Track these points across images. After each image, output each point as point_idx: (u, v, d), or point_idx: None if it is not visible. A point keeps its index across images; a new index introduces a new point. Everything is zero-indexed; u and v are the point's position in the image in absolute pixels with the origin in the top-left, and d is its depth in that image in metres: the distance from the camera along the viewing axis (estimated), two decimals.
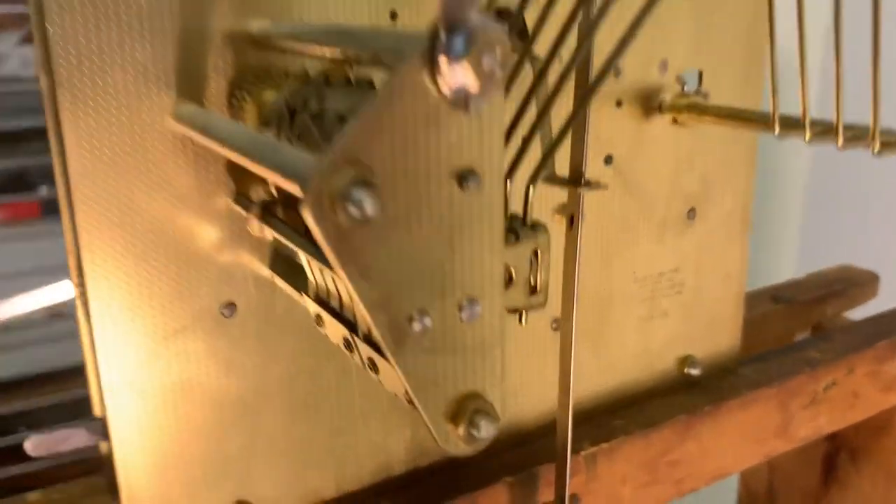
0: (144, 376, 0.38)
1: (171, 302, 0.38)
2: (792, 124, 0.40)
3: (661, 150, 0.51)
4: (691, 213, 0.53)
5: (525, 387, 0.50)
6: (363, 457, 0.45)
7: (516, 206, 0.34)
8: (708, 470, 0.55)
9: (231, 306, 0.39)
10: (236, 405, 0.40)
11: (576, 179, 0.37)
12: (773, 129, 0.41)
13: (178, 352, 0.38)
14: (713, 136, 0.53)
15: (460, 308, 0.25)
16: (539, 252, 0.32)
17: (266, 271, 0.39)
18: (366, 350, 0.29)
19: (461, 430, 0.26)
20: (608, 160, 0.49)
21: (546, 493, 0.48)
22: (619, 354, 0.53)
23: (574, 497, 0.47)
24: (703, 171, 0.53)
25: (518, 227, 0.32)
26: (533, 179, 0.34)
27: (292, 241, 0.31)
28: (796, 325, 0.73)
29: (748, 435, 0.57)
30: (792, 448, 0.60)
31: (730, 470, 0.57)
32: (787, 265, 1.06)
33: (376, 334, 0.24)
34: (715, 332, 0.57)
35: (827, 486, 0.74)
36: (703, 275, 0.55)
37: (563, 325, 0.43)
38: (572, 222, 0.39)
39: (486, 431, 0.26)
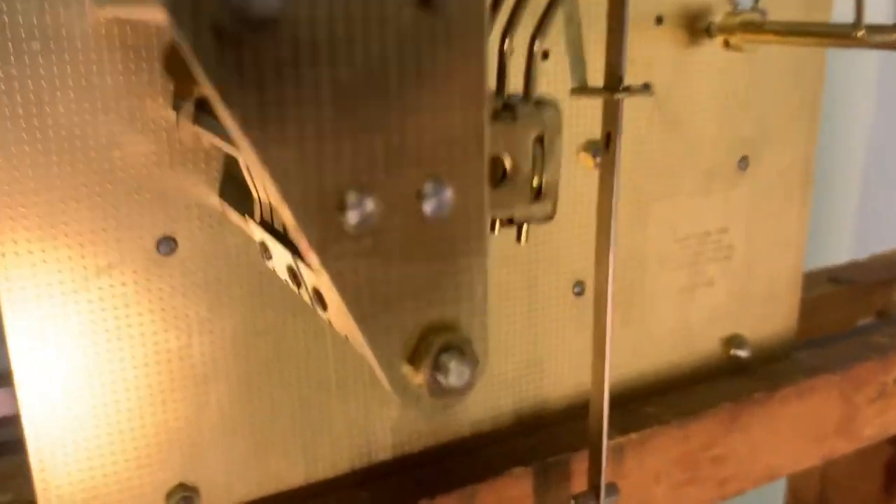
0: (60, 327, 0.30)
1: (93, 234, 0.30)
2: (883, 29, 0.32)
3: (710, 81, 0.42)
4: (743, 162, 0.45)
5: (539, 364, 0.41)
6: (339, 438, 0.37)
7: (517, 84, 0.26)
8: (757, 469, 0.47)
9: (169, 242, 0.32)
10: (178, 367, 0.33)
11: (612, 86, 0.29)
12: (858, 37, 0.32)
13: (102, 297, 0.31)
14: (772, 68, 0.44)
15: (420, 194, 0.17)
16: (546, 138, 0.24)
17: (215, 199, 0.32)
18: (310, 276, 0.21)
19: (423, 375, 0.18)
20: (646, 88, 0.40)
21: (562, 489, 0.40)
22: (654, 330, 0.45)
23: (612, 487, 0.38)
24: (759, 111, 0.44)
25: (517, 102, 0.24)
26: (537, 31, 0.25)
27: (221, 136, 0.23)
28: (857, 311, 0.64)
29: (805, 430, 0.48)
30: (854, 449, 0.52)
31: (782, 470, 0.49)
32: (842, 246, 0.96)
33: (292, 230, 0.16)
34: (768, 309, 0.48)
35: (889, 498, 0.65)
36: (755, 238, 0.47)
37: (597, 282, 0.35)
38: (608, 142, 0.31)
39: (459, 377, 0.18)
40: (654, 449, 0.43)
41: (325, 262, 0.16)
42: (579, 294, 0.41)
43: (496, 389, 0.40)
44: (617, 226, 0.34)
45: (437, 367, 0.18)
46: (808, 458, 0.49)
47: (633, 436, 0.42)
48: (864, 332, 0.54)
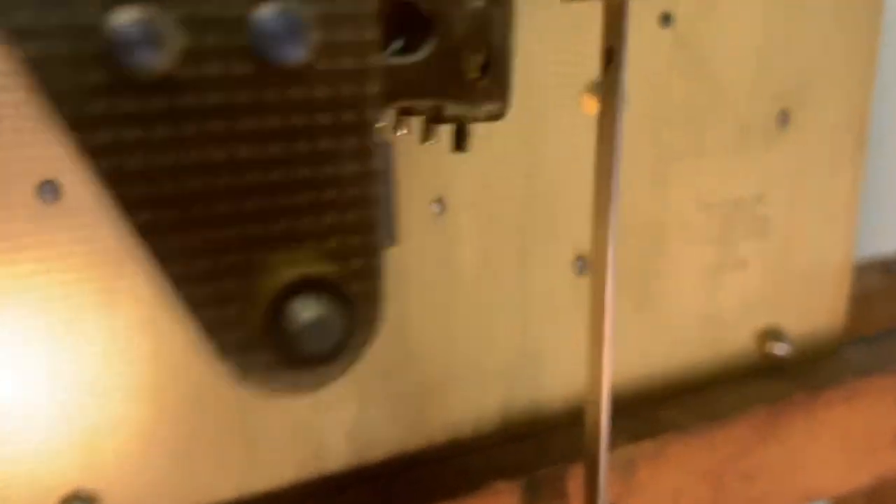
0: None
1: None
2: None
3: (744, 16, 0.35)
4: (783, 117, 0.37)
5: (533, 356, 0.34)
6: (281, 443, 0.30)
7: None
8: (797, 487, 0.39)
9: (51, 186, 0.25)
10: (67, 339, 0.26)
11: None
12: None
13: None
14: (820, 4, 0.37)
15: None
16: None
17: None
18: None
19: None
20: (666, 19, 0.33)
21: None
22: (675, 318, 0.37)
23: None
24: (802, 56, 0.37)
25: None
26: None
27: None
28: None
29: (854, 441, 0.41)
30: None
31: (827, 491, 0.41)
32: None
33: None
34: (811, 297, 0.41)
35: None
36: (797, 210, 0.39)
37: (595, 252, 0.28)
38: (609, 60, 0.24)
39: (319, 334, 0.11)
40: (672, 461, 0.35)
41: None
42: (582, 271, 0.34)
43: (479, 386, 0.33)
44: (620, 180, 0.27)
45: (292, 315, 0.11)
46: (857, 475, 0.42)
47: (647, 444, 0.35)
48: None
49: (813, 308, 0.41)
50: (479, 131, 0.30)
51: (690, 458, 0.36)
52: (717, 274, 0.38)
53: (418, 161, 0.30)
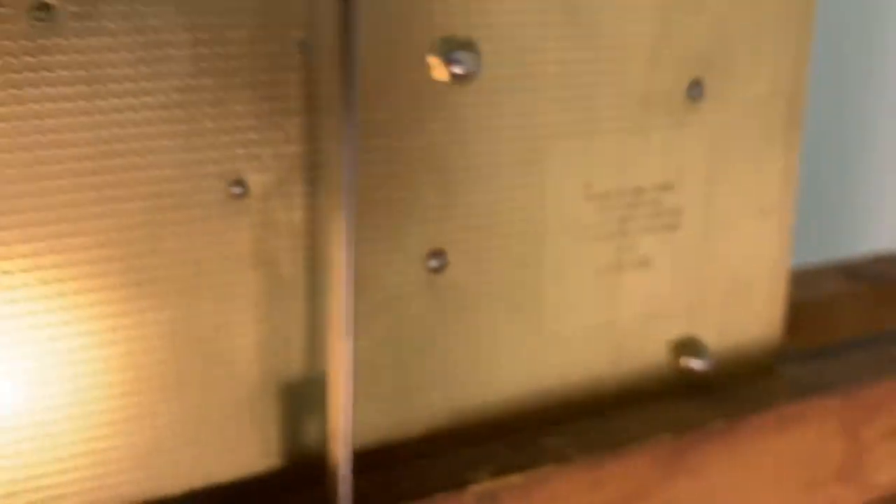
0: None
1: None
2: None
3: None
4: (696, 88, 0.31)
5: (398, 374, 0.28)
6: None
7: None
8: None
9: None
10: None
11: None
12: None
13: None
14: None
15: None
16: None
17: None
18: None
19: None
20: None
21: None
22: (564, 327, 0.31)
23: None
24: (718, 13, 0.31)
25: None
26: None
27: None
28: (885, 318, 0.49)
29: (789, 475, 0.35)
30: (866, 499, 0.37)
31: None
32: (880, 236, 0.80)
33: None
34: (738, 305, 0.35)
35: None
36: (716, 201, 0.33)
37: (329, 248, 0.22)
38: None
39: None
40: (548, 498, 0.29)
41: None
42: (436, 270, 0.28)
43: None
44: (357, 150, 0.21)
45: None
46: None
47: (515, 478, 0.29)
48: (885, 341, 0.40)
49: (740, 317, 0.35)
50: None
51: (572, 496, 0.30)
52: (616, 275, 0.32)
53: None
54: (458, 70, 0.26)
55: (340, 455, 0.26)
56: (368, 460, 0.29)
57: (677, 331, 0.34)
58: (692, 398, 0.34)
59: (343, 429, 0.26)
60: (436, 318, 0.29)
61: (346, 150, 0.24)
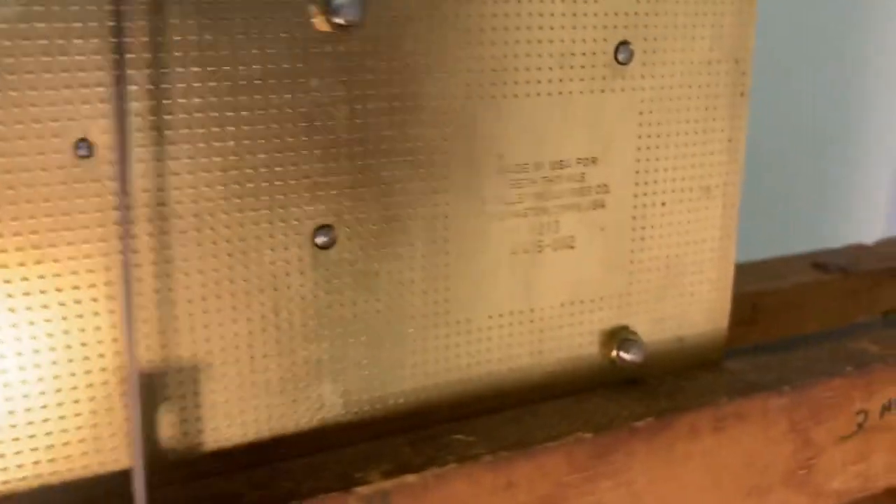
0: None
1: None
2: None
3: None
4: (624, 51, 0.28)
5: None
6: None
7: None
8: None
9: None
10: None
11: None
12: None
13: None
14: None
15: None
16: None
17: None
18: None
19: None
20: None
21: None
22: (475, 316, 0.28)
23: None
24: None
25: None
26: None
27: None
28: (855, 310, 0.46)
29: (730, 478, 0.32)
30: None
31: None
32: (873, 226, 0.77)
33: None
34: (677, 291, 0.32)
35: None
36: (649, 177, 0.30)
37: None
38: None
39: None
40: (449, 500, 0.26)
41: None
42: (325, 246, 0.26)
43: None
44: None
45: None
46: None
47: (410, 479, 0.26)
48: (846, 335, 0.36)
49: (680, 306, 0.32)
50: None
51: (476, 498, 0.27)
52: (534, 257, 0.29)
53: None
54: (340, 19, 0.23)
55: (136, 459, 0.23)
56: (250, 456, 0.26)
57: (608, 320, 0.31)
58: (623, 393, 0.31)
59: (135, 430, 0.23)
60: (324, 299, 0.26)
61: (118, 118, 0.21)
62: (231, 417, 0.25)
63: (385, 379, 0.27)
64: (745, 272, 0.45)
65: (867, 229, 0.75)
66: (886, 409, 0.34)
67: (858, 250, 0.49)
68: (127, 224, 0.22)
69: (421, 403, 0.28)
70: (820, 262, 0.46)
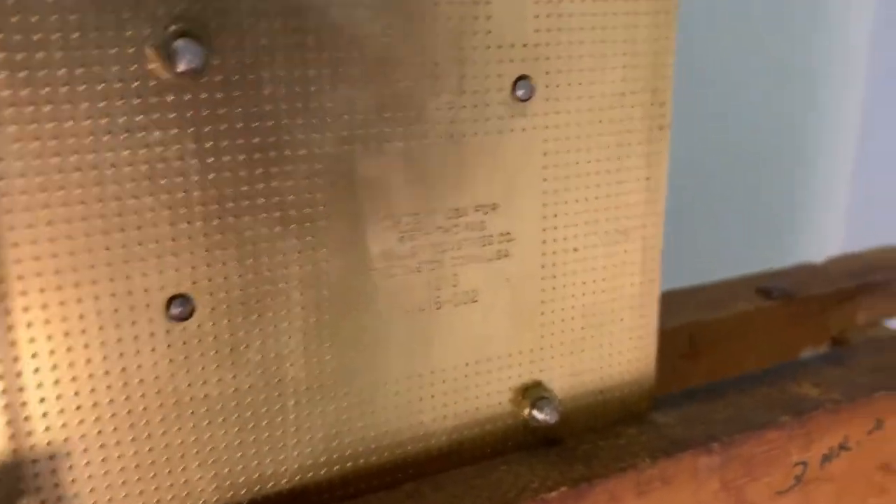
0: None
1: None
2: None
3: None
4: (523, 87, 0.25)
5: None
6: None
7: None
8: None
9: None
10: None
11: None
12: None
13: None
14: None
15: None
16: None
17: None
18: None
19: None
20: None
21: None
22: (365, 389, 0.25)
23: None
24: None
25: None
26: None
27: None
28: (801, 338, 0.44)
29: None
30: None
31: None
32: (817, 248, 0.75)
33: None
34: (594, 342, 0.29)
35: None
36: (558, 221, 0.27)
37: None
38: None
39: None
40: None
41: None
42: (180, 317, 0.22)
43: None
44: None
45: None
46: None
47: None
48: (783, 375, 0.34)
49: (599, 358, 0.29)
50: None
51: None
52: (433, 315, 0.26)
53: None
54: (180, 67, 0.20)
55: None
56: None
57: (518, 377, 0.28)
58: (537, 457, 0.28)
59: None
60: (183, 378, 0.23)
61: None
62: None
63: (262, 461, 0.24)
64: (683, 300, 0.43)
65: (821, 245, 0.73)
66: (827, 458, 0.32)
67: (806, 271, 0.46)
68: None
69: (306, 485, 0.25)
70: (763, 288, 0.43)
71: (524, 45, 0.25)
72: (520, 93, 0.25)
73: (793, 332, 0.43)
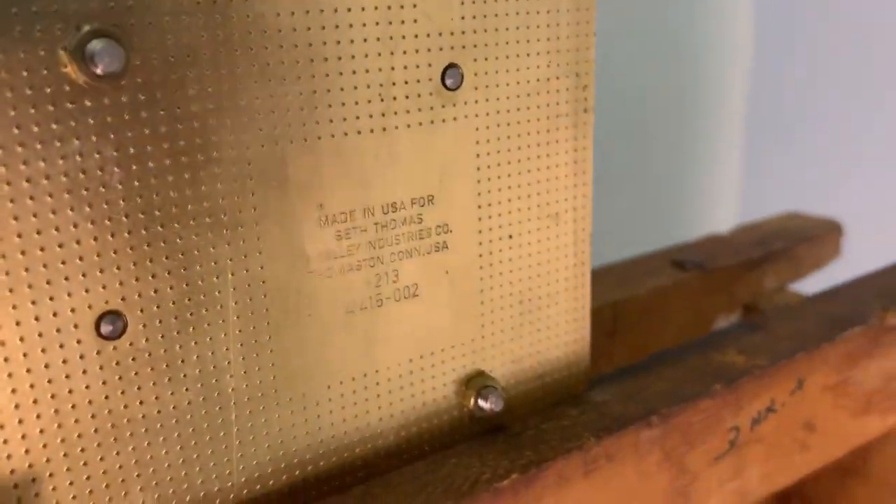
0: None
1: None
2: None
3: None
4: (452, 75, 0.25)
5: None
6: None
7: None
8: None
9: None
10: None
11: None
12: None
13: None
14: None
15: None
16: None
17: None
18: None
19: None
20: None
21: None
22: (313, 390, 0.25)
23: None
24: None
25: None
26: None
27: None
28: (715, 307, 0.46)
29: None
30: None
31: None
32: (713, 219, 0.78)
33: None
34: (532, 327, 0.29)
35: None
36: (493, 210, 0.27)
37: None
38: None
39: None
40: None
41: None
42: (111, 336, 0.21)
43: None
44: None
45: None
46: None
47: None
48: (709, 346, 0.35)
49: (537, 342, 0.29)
50: None
51: None
52: (374, 312, 0.25)
53: None
54: (96, 69, 0.19)
55: None
56: None
57: (462, 368, 0.28)
58: (485, 446, 0.28)
59: None
60: (118, 399, 0.21)
61: None
62: None
63: (206, 477, 0.23)
64: (602, 278, 0.43)
65: (722, 215, 0.76)
66: (756, 421, 0.33)
67: (713, 242, 0.48)
68: None
69: (255, 497, 0.24)
70: (677, 260, 0.44)
71: (451, 34, 0.25)
72: (449, 81, 0.25)
73: (707, 302, 0.45)
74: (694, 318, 0.43)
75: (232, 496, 0.24)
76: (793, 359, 0.34)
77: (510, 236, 0.28)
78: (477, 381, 0.28)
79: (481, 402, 0.28)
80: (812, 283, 0.47)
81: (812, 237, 0.48)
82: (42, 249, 0.20)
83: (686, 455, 0.31)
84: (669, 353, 0.35)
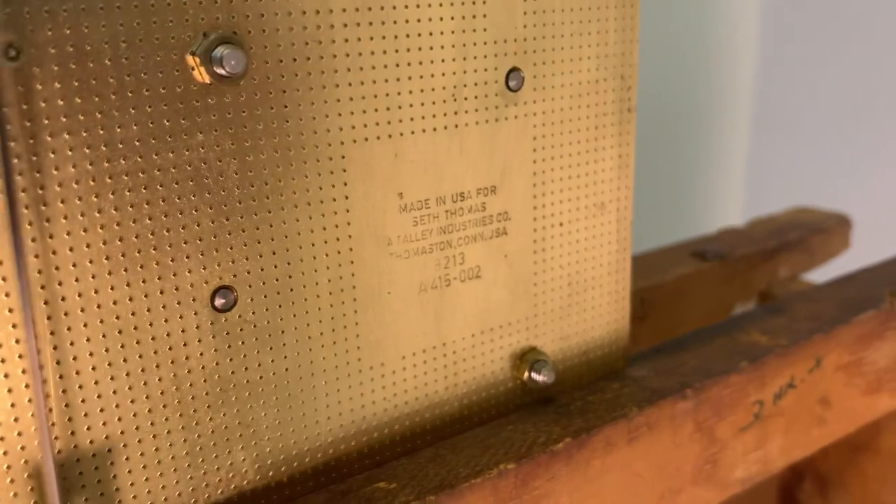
0: None
1: None
2: None
3: None
4: (515, 77, 0.28)
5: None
6: None
7: None
8: None
9: None
10: None
11: None
12: None
13: None
14: None
15: None
16: None
17: None
18: None
19: None
20: None
21: None
22: (388, 360, 0.27)
23: None
24: None
25: None
26: None
27: None
28: (733, 295, 0.49)
29: (645, 485, 0.32)
30: (725, 498, 0.36)
31: None
32: (721, 213, 0.81)
33: None
34: (579, 307, 0.32)
35: None
36: (547, 200, 0.30)
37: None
38: None
39: None
40: None
41: None
42: (224, 309, 0.24)
43: None
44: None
45: None
46: None
47: None
48: (735, 328, 0.38)
49: (583, 321, 0.32)
50: None
51: None
52: (443, 292, 0.28)
53: None
54: (221, 70, 0.22)
55: None
56: None
57: (517, 344, 0.31)
58: (537, 415, 0.31)
59: None
60: (228, 365, 0.24)
61: None
62: (142, 500, 0.23)
63: (298, 438, 0.26)
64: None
65: (733, 211, 0.79)
66: (778, 396, 0.36)
67: (731, 234, 0.51)
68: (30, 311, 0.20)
69: (339, 456, 0.27)
70: (698, 251, 0.47)
71: (515, 40, 0.27)
72: (512, 84, 0.28)
73: (726, 290, 0.47)
74: (715, 304, 0.46)
75: (320, 455, 0.27)
76: (811, 339, 0.36)
77: (561, 224, 0.30)
78: (530, 356, 0.31)
79: (535, 375, 0.31)
80: (820, 274, 0.50)
81: (823, 229, 0.51)
82: (168, 231, 0.23)
83: (715, 426, 0.34)
84: (698, 333, 0.38)
